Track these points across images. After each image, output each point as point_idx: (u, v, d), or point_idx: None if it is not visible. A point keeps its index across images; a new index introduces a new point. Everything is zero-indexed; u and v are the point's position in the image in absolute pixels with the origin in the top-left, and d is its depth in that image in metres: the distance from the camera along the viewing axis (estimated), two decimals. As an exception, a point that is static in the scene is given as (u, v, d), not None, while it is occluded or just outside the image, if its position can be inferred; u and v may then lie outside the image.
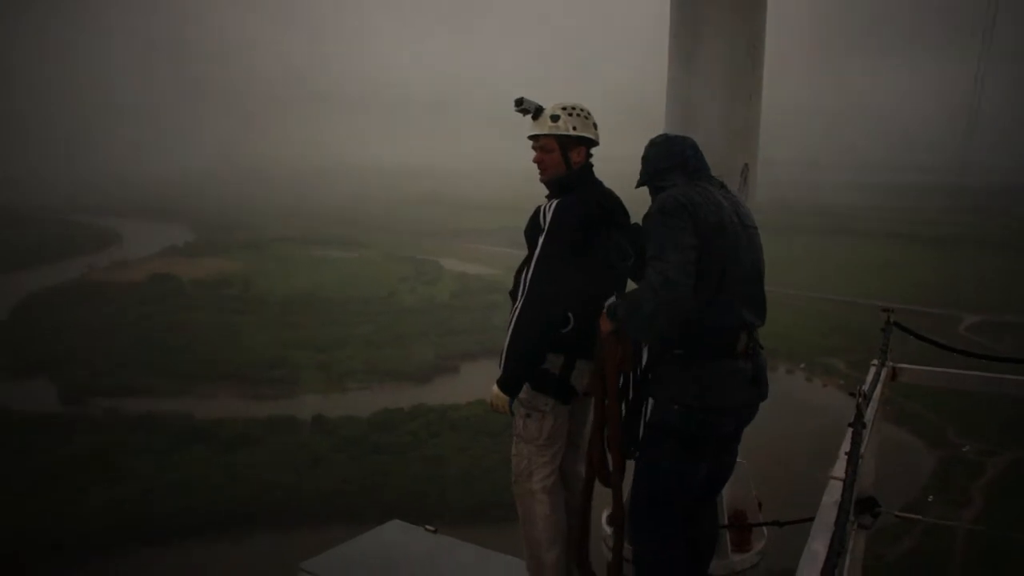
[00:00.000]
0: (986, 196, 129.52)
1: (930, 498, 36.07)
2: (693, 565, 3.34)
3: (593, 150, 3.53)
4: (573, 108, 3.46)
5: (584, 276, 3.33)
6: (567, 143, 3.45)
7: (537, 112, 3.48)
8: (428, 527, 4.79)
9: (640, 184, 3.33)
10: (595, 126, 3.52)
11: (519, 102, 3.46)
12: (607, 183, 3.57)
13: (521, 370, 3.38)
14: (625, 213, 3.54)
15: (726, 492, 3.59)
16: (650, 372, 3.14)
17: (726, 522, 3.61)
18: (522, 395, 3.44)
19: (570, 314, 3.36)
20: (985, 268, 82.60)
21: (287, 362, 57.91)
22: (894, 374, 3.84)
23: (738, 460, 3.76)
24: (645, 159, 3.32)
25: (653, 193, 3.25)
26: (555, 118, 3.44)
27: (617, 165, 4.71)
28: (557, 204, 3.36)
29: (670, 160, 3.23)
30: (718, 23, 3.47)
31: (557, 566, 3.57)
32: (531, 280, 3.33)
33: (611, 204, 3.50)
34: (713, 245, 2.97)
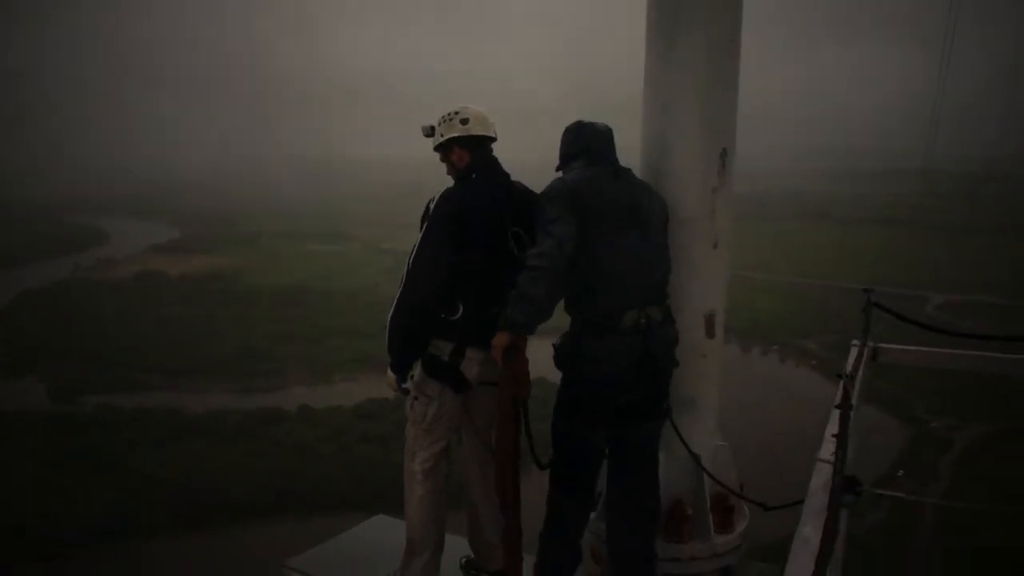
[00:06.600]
0: (951, 180, 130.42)
1: (900, 473, 36.21)
2: (630, 539, 3.36)
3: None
4: (445, 114, 3.56)
5: (474, 265, 3.37)
6: (445, 149, 3.58)
7: (428, 132, 3.61)
8: None
9: (557, 169, 3.40)
10: (464, 121, 3.50)
11: (424, 131, 3.60)
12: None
13: (399, 351, 3.48)
14: (530, 204, 3.40)
15: (707, 474, 3.50)
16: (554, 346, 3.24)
17: (709, 504, 3.56)
18: (416, 379, 3.53)
19: (459, 303, 3.40)
20: (946, 250, 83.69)
21: (275, 355, 57.52)
22: (875, 354, 3.80)
23: (720, 443, 3.71)
24: (561, 145, 3.41)
25: None
26: (430, 133, 3.60)
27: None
28: (440, 195, 3.44)
29: (576, 146, 3.33)
30: (696, 13, 3.38)
31: (424, 543, 3.63)
32: (410, 266, 3.40)
33: (507, 196, 3.51)
34: (592, 230, 3.05)
